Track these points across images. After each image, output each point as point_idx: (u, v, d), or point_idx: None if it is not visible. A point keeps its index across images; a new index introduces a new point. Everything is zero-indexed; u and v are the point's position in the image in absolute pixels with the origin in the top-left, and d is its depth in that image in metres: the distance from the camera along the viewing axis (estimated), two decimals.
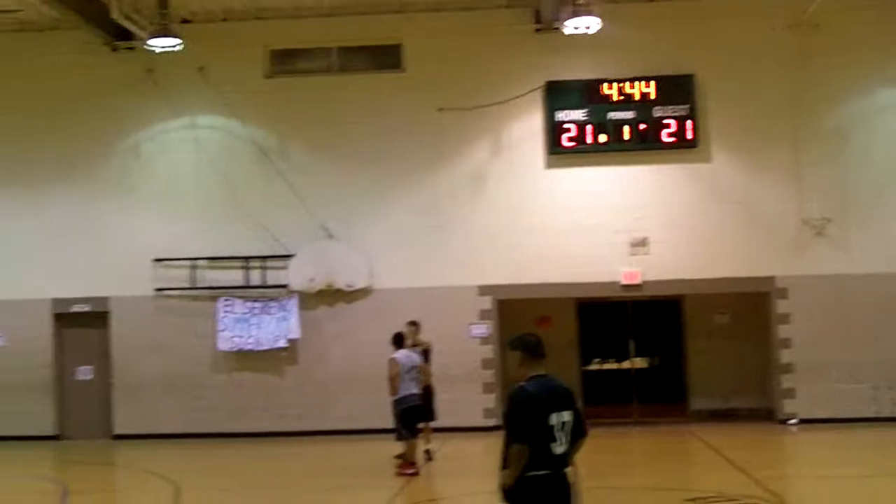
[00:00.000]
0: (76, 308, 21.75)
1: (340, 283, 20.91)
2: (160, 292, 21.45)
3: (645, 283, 20.64)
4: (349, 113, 21.29)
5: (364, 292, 21.06)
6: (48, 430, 21.55)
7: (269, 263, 21.31)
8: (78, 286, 21.62)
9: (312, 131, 21.43)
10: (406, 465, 15.43)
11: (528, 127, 21.03)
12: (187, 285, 21.41)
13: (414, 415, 15.79)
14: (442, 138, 21.11)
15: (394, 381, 15.66)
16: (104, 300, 21.64)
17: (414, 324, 17.34)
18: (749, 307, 21.46)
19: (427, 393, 16.66)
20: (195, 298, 21.41)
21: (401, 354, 15.88)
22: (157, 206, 21.63)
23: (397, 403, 15.69)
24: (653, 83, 20.62)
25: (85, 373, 21.91)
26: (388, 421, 16.07)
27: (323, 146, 21.42)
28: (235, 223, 21.27)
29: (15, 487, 15.50)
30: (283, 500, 14.47)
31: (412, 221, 21.11)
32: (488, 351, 20.81)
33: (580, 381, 21.44)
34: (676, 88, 20.62)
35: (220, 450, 19.55)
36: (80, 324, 21.89)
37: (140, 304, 21.49)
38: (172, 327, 21.38)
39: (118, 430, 21.41)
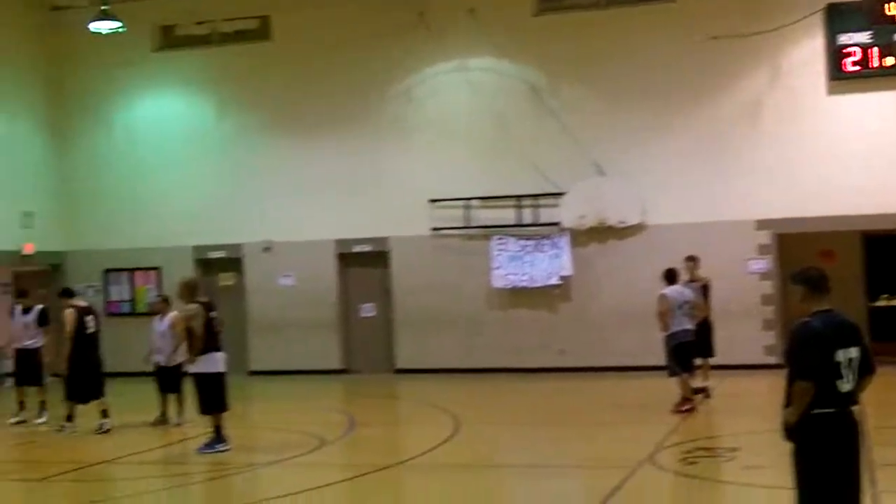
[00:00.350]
0: (358, 248, 22.58)
1: (612, 219, 20.74)
2: (436, 232, 21.95)
3: None
4: (617, 47, 20.94)
5: (636, 229, 20.83)
6: (336, 364, 22.59)
7: (541, 202, 21.38)
8: (359, 227, 22.42)
9: (582, 68, 21.23)
10: (682, 401, 15.24)
11: (808, 52, 20.08)
12: (462, 224, 21.81)
13: (686, 350, 15.51)
14: (714, 69, 20.46)
15: (663, 316, 15.42)
16: (384, 240, 22.36)
17: (692, 259, 17.05)
18: None
19: (704, 329, 16.36)
20: (470, 238, 21.79)
21: (670, 290, 15.62)
22: (431, 149, 22.06)
23: (669, 339, 15.46)
24: None
25: (368, 310, 22.76)
26: (662, 358, 15.90)
27: (593, 82, 21.21)
28: (507, 162, 21.43)
29: (307, 417, 16.32)
30: (560, 435, 14.60)
31: (685, 155, 20.64)
32: (768, 287, 20.19)
33: (866, 317, 20.46)
34: None
35: (496, 384, 19.91)
36: (363, 263, 22.74)
37: (418, 244, 22.07)
38: (449, 265, 21.85)
39: (400, 365, 22.18)
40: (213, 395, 13.18)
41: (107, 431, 14.97)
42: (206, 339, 13.13)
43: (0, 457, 13.89)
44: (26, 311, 16.55)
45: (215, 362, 13.26)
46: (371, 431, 15.35)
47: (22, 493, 11.36)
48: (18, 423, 16.16)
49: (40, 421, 16.15)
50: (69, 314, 15.18)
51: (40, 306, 16.73)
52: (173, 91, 23.92)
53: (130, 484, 12.01)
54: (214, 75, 23.48)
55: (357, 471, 12.20)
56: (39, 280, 23.65)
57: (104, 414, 15.17)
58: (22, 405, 16.38)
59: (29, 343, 16.44)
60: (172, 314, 15.49)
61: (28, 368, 16.48)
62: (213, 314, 13.38)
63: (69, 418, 15.28)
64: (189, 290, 13.55)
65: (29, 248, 23.25)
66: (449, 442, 13.65)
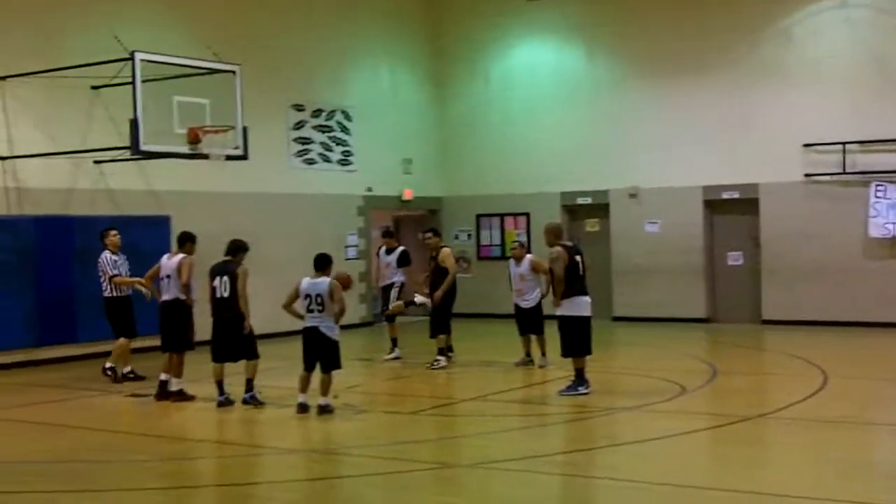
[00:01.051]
0: (726, 195, 22.17)
1: None
2: (809, 178, 21.14)
3: None
4: None
5: None
6: (700, 313, 22.36)
7: None
8: (727, 173, 22.01)
9: None
10: None
11: None
12: (837, 170, 20.87)
13: None
14: None
15: None
16: (753, 187, 21.81)
17: None
18: None
19: None
20: (846, 184, 20.84)
21: None
22: (806, 91, 21.26)
23: None
24: None
25: (735, 258, 22.34)
26: None
27: None
28: (889, 104, 20.31)
29: (669, 365, 16.30)
30: None
31: None
32: None
33: None
34: None
35: (868, 339, 19.05)
36: (730, 210, 22.31)
37: (789, 190, 21.38)
38: (821, 213, 21.03)
39: (766, 316, 21.64)
40: (576, 339, 13.42)
41: (442, 368, 16.01)
42: (570, 282, 13.34)
43: (374, 390, 14.78)
44: (390, 251, 17.56)
45: (580, 306, 13.46)
46: (734, 381, 15.13)
47: (390, 426, 12.09)
48: (394, 359, 17.16)
49: (389, 356, 17.10)
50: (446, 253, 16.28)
51: (402, 248, 17.70)
52: (545, 39, 24.37)
53: (492, 421, 12.51)
54: (584, 22, 23.68)
55: (717, 421, 12.08)
56: (416, 224, 25.02)
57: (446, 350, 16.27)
58: (395, 343, 17.36)
59: (388, 282, 17.51)
60: (530, 257, 15.95)
61: (388, 306, 17.46)
62: (578, 258, 13.57)
63: (444, 351, 16.30)
64: (552, 235, 13.84)
65: (408, 194, 24.57)
66: (815, 396, 13.23)
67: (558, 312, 13.51)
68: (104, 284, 15.50)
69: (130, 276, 15.64)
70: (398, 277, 17.52)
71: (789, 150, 21.25)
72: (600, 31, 23.57)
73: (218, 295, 12.97)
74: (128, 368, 15.56)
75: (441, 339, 16.30)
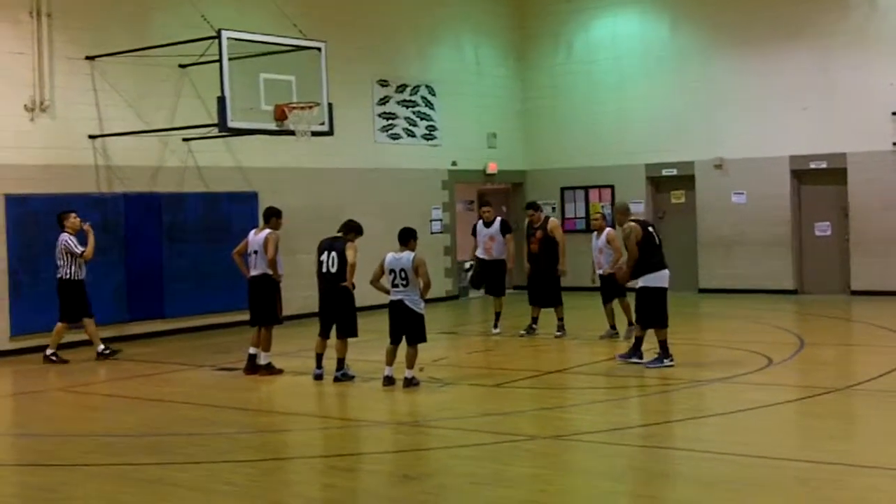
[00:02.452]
0: (813, 165, 21.85)
1: None
2: None
3: None
4: None
5: None
6: (787, 284, 22.12)
7: None
8: (815, 143, 21.70)
9: None
10: None
11: None
12: None
13: None
14: None
15: None
16: (841, 156, 21.46)
17: None
18: None
19: None
20: None
21: None
22: (893, 59, 20.85)
23: None
24: None
25: (822, 229, 22.03)
26: None
27: None
28: None
29: (756, 336, 16.19)
30: None
31: None
32: None
33: None
34: None
35: None
36: (818, 180, 22.00)
37: (878, 160, 21.03)
38: None
39: (855, 286, 21.34)
40: (656, 310, 13.42)
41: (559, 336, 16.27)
42: (648, 255, 13.39)
43: (459, 363, 14.90)
44: (488, 224, 17.44)
45: (660, 278, 13.48)
46: (821, 353, 14.99)
47: (475, 398, 12.20)
48: (499, 333, 17.18)
49: (495, 332, 17.14)
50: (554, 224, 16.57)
51: (500, 217, 17.67)
52: (628, 9, 24.19)
53: (577, 393, 12.57)
54: None
55: (804, 392, 12.00)
56: (500, 197, 25.08)
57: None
58: (498, 316, 17.37)
59: (495, 255, 17.25)
60: (608, 230, 15.96)
61: (494, 279, 17.32)
62: (651, 229, 13.69)
63: (563, 321, 16.55)
64: (621, 213, 14.13)
65: (492, 168, 24.63)
66: None
67: (639, 284, 13.53)
68: (61, 268, 15.44)
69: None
70: (504, 252, 17.20)
71: (878, 119, 20.89)
72: (684, 2, 23.32)
73: (324, 269, 13.15)
74: (101, 346, 15.76)
75: (559, 309, 16.54)
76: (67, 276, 15.50)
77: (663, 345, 13.46)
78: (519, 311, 17.59)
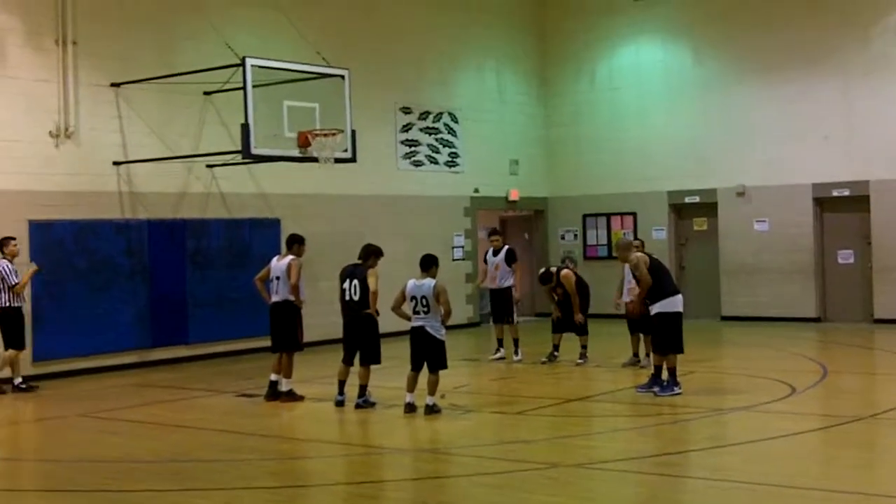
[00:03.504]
0: (836, 192, 21.78)
1: None
2: None
3: None
4: None
5: None
6: (810, 312, 22.01)
7: None
8: (837, 170, 21.64)
9: None
10: None
11: None
12: None
13: None
14: None
15: None
16: (864, 184, 21.40)
17: None
18: None
19: None
20: None
21: None
22: None
23: None
24: None
25: (845, 257, 21.94)
26: None
27: None
28: None
29: (778, 364, 16.10)
30: None
31: None
32: None
33: None
34: None
35: None
36: (840, 208, 21.93)
37: None
38: None
39: (878, 315, 21.22)
40: (672, 336, 13.41)
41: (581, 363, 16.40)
42: (661, 281, 13.51)
43: (481, 390, 14.88)
44: (496, 252, 17.41)
45: (674, 303, 13.52)
46: (844, 381, 14.92)
47: (497, 426, 12.18)
48: (499, 359, 17.27)
49: (516, 359, 17.13)
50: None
51: (507, 246, 17.59)
52: (651, 38, 24.24)
53: (599, 421, 12.53)
54: (691, 20, 23.51)
55: (827, 421, 11.93)
56: (523, 224, 25.09)
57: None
58: (500, 343, 17.46)
59: (503, 284, 17.25)
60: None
61: (499, 307, 17.36)
62: (655, 257, 14.01)
63: (555, 349, 16.73)
64: (623, 249, 14.14)
65: (514, 195, 24.65)
66: None
67: (654, 311, 13.50)
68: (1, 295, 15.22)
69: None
70: (510, 280, 17.28)
71: None
72: (707, 30, 23.36)
73: (347, 297, 13.17)
74: (19, 380, 15.42)
75: (584, 337, 16.64)
76: (6, 305, 15.19)
77: (673, 372, 13.42)
78: (543, 338, 17.54)
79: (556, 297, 16.77)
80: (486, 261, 17.75)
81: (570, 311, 16.62)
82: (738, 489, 8.77)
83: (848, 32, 21.53)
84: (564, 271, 16.73)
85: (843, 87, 21.53)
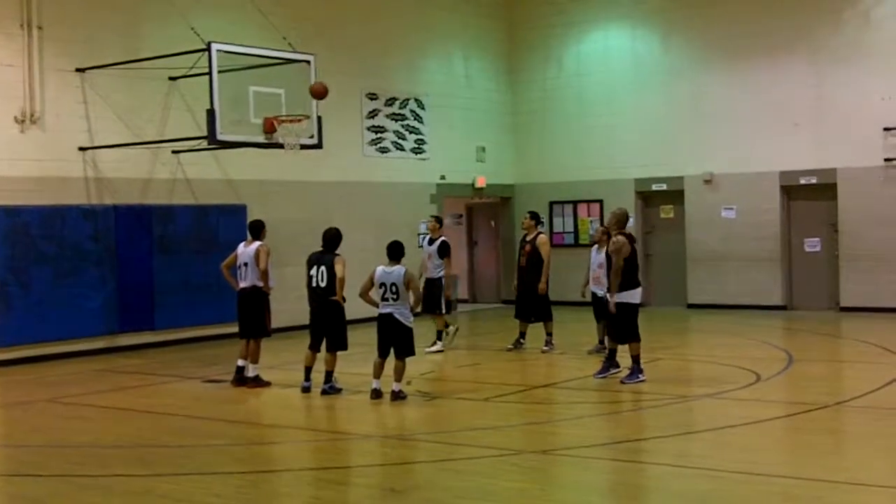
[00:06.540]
0: (803, 180, 21.91)
1: None
2: (889, 162, 20.84)
3: None
4: None
5: None
6: (776, 300, 22.15)
7: None
8: (805, 158, 21.76)
9: None
10: None
11: None
12: None
13: None
14: None
15: None
16: (831, 172, 21.53)
17: None
18: None
19: None
20: None
21: None
22: (886, 74, 20.96)
23: None
24: None
25: (812, 245, 22.08)
26: None
27: None
28: None
29: (744, 352, 16.19)
30: None
31: None
32: None
33: None
34: None
35: None
36: (807, 196, 22.05)
37: (868, 175, 21.09)
38: None
39: (844, 303, 21.38)
40: (632, 326, 13.44)
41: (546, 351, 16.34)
42: (632, 272, 13.44)
43: (447, 377, 14.89)
44: (431, 241, 17.09)
45: (636, 294, 13.55)
46: (810, 369, 14.99)
47: (462, 412, 12.18)
48: (436, 352, 16.68)
49: (432, 349, 16.54)
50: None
51: (442, 238, 17.09)
52: (619, 24, 24.26)
53: (564, 408, 12.56)
54: (659, 6, 23.56)
55: (793, 409, 11.99)
56: (489, 212, 25.09)
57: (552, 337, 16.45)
58: (439, 335, 16.87)
59: (432, 276, 16.81)
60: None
61: (429, 297, 16.30)
62: (635, 246, 13.71)
63: (552, 336, 16.51)
64: (619, 222, 13.84)
65: (481, 181, 24.64)
66: (893, 384, 13.07)
67: (616, 300, 13.44)
68: None
69: None
70: (440, 272, 16.78)
71: (868, 135, 20.98)
72: (675, 16, 23.41)
73: (314, 284, 13.12)
74: None
75: (549, 324, 16.47)
76: None
77: (637, 359, 13.45)
78: (509, 325, 17.56)
79: (520, 263, 16.49)
80: (420, 246, 17.31)
81: (527, 289, 16.33)
82: (702, 476, 8.81)
83: (819, 19, 21.62)
84: (541, 236, 16.57)
85: (812, 75, 21.64)
